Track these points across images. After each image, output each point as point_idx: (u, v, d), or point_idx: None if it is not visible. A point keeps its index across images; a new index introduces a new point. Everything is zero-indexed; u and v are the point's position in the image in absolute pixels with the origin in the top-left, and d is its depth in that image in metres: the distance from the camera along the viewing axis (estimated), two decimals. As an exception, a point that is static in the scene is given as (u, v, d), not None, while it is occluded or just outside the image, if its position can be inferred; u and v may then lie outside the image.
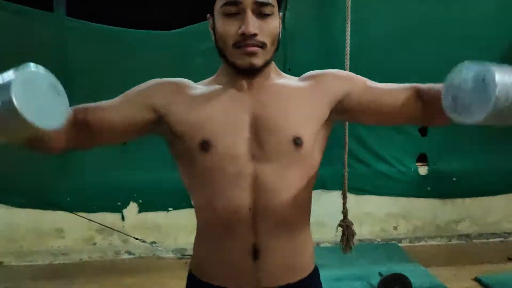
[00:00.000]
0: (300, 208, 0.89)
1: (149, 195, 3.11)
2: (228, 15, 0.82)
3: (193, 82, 0.92)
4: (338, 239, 3.31)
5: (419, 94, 0.88)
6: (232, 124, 0.85)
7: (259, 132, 0.85)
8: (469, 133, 3.11)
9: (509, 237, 3.30)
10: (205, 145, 0.83)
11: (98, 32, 2.90)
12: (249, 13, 0.81)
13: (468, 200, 3.27)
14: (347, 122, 2.34)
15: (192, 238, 3.64)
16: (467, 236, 3.27)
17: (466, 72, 0.70)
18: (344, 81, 0.92)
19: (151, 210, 3.13)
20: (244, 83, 0.87)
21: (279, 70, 0.94)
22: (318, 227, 3.33)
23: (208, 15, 0.89)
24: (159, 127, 0.89)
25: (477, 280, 2.59)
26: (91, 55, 2.92)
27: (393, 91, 0.90)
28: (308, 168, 0.88)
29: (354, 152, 3.15)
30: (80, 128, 0.83)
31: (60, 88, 0.68)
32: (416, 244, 3.18)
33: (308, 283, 0.90)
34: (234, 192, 0.84)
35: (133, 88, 0.91)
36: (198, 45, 3.07)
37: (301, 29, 3.12)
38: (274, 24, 0.84)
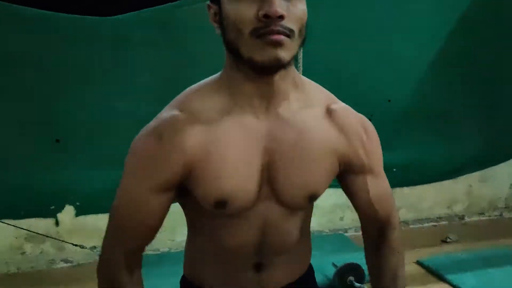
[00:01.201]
0: (305, 233, 0.87)
1: (88, 196, 2.85)
2: None
3: (191, 99, 0.76)
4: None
5: (380, 233, 0.89)
6: (247, 176, 0.74)
7: (274, 182, 0.76)
8: (406, 129, 3.31)
9: (440, 221, 3.59)
10: (221, 204, 0.74)
11: (25, 16, 2.55)
12: None
13: (405, 189, 3.48)
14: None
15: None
16: (405, 222, 3.48)
17: None
18: (368, 158, 0.82)
19: (91, 213, 2.87)
20: (260, 101, 0.72)
21: (300, 76, 0.80)
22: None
23: (209, 2, 0.72)
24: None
25: (418, 263, 2.78)
26: (16, 42, 2.58)
27: (373, 205, 0.85)
28: (312, 209, 0.88)
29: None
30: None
31: None
32: (360, 232, 3.31)
33: (306, 279, 0.91)
34: (244, 233, 0.79)
35: (138, 166, 0.75)
36: (140, 34, 2.87)
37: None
38: (302, 7, 0.66)
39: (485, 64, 3.54)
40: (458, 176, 3.58)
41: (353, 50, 3.08)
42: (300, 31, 0.66)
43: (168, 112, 0.75)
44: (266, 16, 0.62)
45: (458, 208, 3.69)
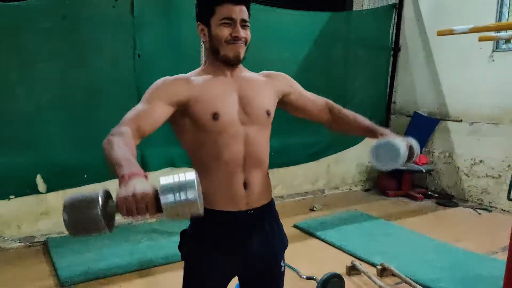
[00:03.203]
0: (267, 154, 1.28)
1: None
2: (224, 25, 1.19)
3: (185, 75, 1.23)
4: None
5: (330, 110, 1.41)
6: (229, 101, 1.21)
7: (245, 107, 1.23)
8: (280, 120, 3.97)
9: (307, 195, 4.40)
10: (216, 116, 1.17)
11: None
12: (238, 25, 1.19)
13: (281, 170, 4.16)
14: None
15: (39, 225, 3.54)
16: (282, 197, 4.17)
17: (386, 143, 1.23)
18: (288, 84, 1.37)
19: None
20: (228, 72, 1.24)
21: (244, 68, 1.33)
22: (168, 201, 3.63)
23: (198, 22, 1.23)
24: (178, 112, 1.17)
25: (295, 226, 3.46)
26: None
27: (316, 102, 1.40)
28: (270, 129, 1.29)
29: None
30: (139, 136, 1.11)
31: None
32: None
33: (272, 204, 1.32)
34: (234, 146, 1.19)
35: (154, 90, 1.17)
36: (37, 22, 2.87)
37: (149, 18, 3.29)
38: (249, 32, 1.23)
39: (336, 66, 4.50)
40: (319, 158, 4.41)
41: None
42: (246, 43, 1.23)
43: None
44: (235, 37, 1.19)
45: (320, 184, 4.56)
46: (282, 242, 1.33)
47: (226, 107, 1.19)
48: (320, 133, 4.40)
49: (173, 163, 3.57)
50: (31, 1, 2.80)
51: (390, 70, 5.01)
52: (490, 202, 4.27)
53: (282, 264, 1.32)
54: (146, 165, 3.44)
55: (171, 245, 2.93)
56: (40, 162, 2.92)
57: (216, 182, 1.20)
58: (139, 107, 1.14)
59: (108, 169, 0.94)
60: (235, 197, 1.21)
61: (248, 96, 1.24)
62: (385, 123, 5.09)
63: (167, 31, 3.39)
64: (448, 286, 2.49)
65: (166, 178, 0.84)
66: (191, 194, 0.82)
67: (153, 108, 1.14)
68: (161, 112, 1.15)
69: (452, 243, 3.21)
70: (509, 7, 4.02)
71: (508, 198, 2.11)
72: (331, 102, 1.44)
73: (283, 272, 1.33)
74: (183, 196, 0.82)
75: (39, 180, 2.93)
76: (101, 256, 2.75)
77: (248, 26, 1.23)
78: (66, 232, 3.03)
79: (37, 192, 2.93)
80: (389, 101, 5.08)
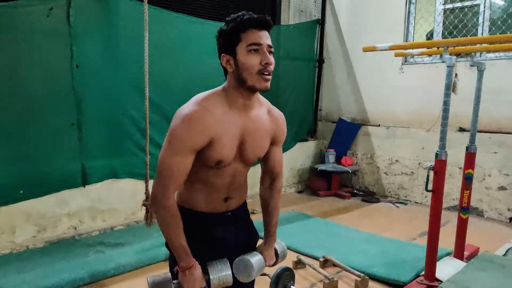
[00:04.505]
0: (245, 180, 1.44)
1: None
2: (251, 52, 1.19)
3: (205, 101, 1.22)
4: (130, 221, 3.67)
5: (271, 183, 1.50)
6: (233, 147, 1.28)
7: (243, 151, 1.31)
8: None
9: (247, 199, 4.56)
10: (219, 163, 1.27)
11: None
12: (266, 51, 1.19)
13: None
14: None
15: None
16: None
17: (244, 260, 1.37)
18: (279, 137, 1.41)
19: None
20: (244, 104, 1.26)
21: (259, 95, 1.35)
22: (111, 213, 3.57)
23: (223, 54, 1.23)
24: None
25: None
26: None
27: (274, 166, 1.45)
28: None
29: (139, 143, 3.60)
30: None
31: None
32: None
33: (245, 203, 1.50)
34: (222, 177, 1.33)
35: (181, 138, 1.19)
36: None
37: (86, 27, 3.25)
38: (273, 58, 1.23)
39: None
40: (255, 164, 4.59)
41: (172, 60, 3.71)
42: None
43: (192, 106, 1.22)
44: (266, 63, 1.19)
45: (257, 189, 4.67)
46: (255, 236, 1.52)
47: (229, 155, 1.27)
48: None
49: (116, 175, 3.54)
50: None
51: (316, 80, 5.44)
52: (405, 196, 4.84)
53: None
54: (87, 178, 3.36)
55: (119, 255, 2.93)
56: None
57: (201, 195, 1.35)
58: (173, 164, 1.19)
59: (168, 248, 1.29)
60: (216, 206, 1.36)
61: (249, 143, 1.31)
62: (314, 129, 5.51)
63: (106, 41, 3.38)
64: (380, 270, 2.83)
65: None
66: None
67: (185, 164, 1.21)
68: (190, 163, 1.22)
69: (378, 233, 3.62)
70: (414, 26, 4.64)
71: (426, 189, 2.49)
72: (280, 178, 1.52)
73: None
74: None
75: (-27, 198, 2.75)
76: (49, 272, 2.65)
77: (273, 51, 1.23)
78: (3, 252, 2.90)
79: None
80: (316, 108, 5.50)
